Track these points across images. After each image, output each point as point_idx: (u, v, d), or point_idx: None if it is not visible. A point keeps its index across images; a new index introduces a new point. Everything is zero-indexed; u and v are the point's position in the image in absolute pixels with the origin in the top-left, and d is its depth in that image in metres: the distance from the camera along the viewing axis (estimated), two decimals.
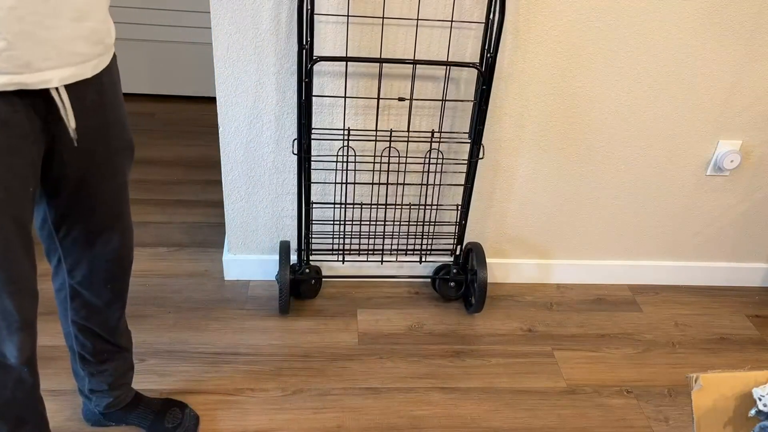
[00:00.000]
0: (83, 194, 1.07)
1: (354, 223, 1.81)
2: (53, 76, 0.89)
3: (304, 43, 1.45)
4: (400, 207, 1.81)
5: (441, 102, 1.64)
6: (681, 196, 1.88)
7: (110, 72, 1.03)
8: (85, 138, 1.01)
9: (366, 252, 1.85)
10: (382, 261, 1.89)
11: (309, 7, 1.44)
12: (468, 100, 1.65)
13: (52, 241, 1.13)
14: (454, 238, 1.85)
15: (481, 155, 1.65)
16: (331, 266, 1.90)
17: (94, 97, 1.00)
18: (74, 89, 0.95)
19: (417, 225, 1.84)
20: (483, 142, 1.68)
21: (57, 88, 0.91)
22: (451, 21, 1.54)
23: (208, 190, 2.33)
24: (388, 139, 1.68)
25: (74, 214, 1.09)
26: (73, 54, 0.91)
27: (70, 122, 0.96)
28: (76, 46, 0.91)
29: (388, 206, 1.80)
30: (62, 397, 1.49)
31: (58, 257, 1.16)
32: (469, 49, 1.58)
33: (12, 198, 0.93)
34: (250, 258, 1.88)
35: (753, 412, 0.97)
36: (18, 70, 0.85)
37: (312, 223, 1.80)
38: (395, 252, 1.88)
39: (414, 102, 1.64)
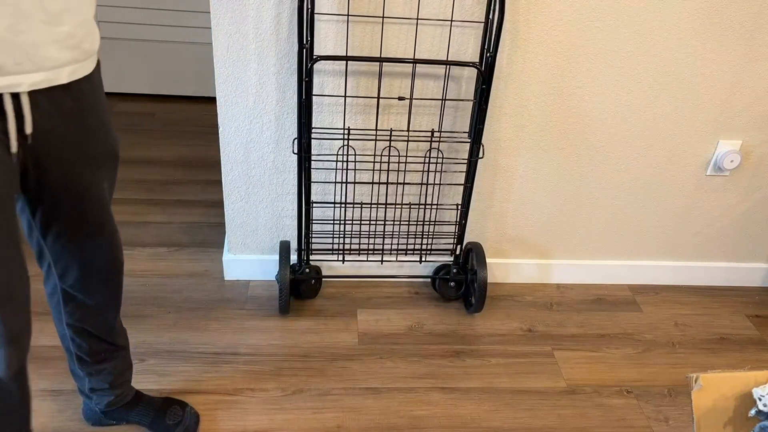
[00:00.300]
0: (67, 201, 1.06)
1: (354, 222, 1.81)
2: (23, 81, 0.87)
3: (305, 42, 1.45)
4: (400, 207, 1.81)
5: (441, 101, 1.64)
6: (681, 196, 1.88)
7: (91, 79, 1.00)
8: (62, 145, 0.99)
9: (366, 252, 1.85)
10: (382, 261, 1.89)
11: (309, 7, 1.45)
12: (468, 100, 1.65)
13: (40, 247, 1.12)
14: (454, 238, 1.85)
15: (481, 155, 1.65)
16: (331, 266, 1.90)
17: (71, 103, 0.97)
18: (50, 94, 0.93)
19: (417, 225, 1.84)
20: (483, 141, 1.68)
21: (18, 94, 0.88)
22: (451, 20, 1.54)
23: (208, 190, 2.33)
24: (388, 138, 1.68)
25: (60, 221, 1.08)
26: (46, 59, 0.89)
27: (27, 128, 0.92)
28: (48, 50, 0.89)
29: (388, 206, 1.80)
30: (62, 397, 1.49)
31: (48, 263, 1.15)
32: (470, 48, 1.58)
33: None
34: (250, 258, 1.88)
35: (753, 412, 0.97)
36: None
37: (312, 223, 1.80)
38: (395, 252, 1.88)
39: (414, 101, 1.64)
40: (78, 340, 1.26)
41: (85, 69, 0.97)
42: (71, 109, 0.98)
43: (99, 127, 1.05)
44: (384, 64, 1.57)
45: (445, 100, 1.63)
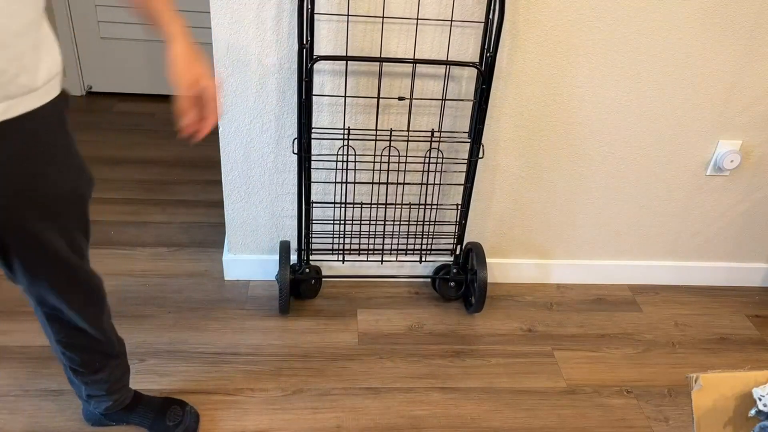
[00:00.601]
0: (17, 247, 1.00)
1: (354, 222, 1.81)
2: None
3: (305, 42, 1.45)
4: (400, 207, 1.81)
5: (441, 101, 1.64)
6: (681, 196, 1.88)
7: (39, 116, 0.91)
8: (6, 192, 0.92)
9: (366, 252, 1.85)
10: (382, 261, 1.89)
11: (309, 7, 1.44)
12: (468, 100, 1.65)
13: (9, 275, 1.07)
14: (454, 238, 1.85)
15: (480, 155, 1.65)
16: (331, 266, 1.90)
17: (8, 145, 0.89)
18: None
19: (417, 225, 1.84)
20: (483, 141, 1.68)
21: None
22: (451, 20, 1.54)
23: (208, 190, 2.33)
24: (388, 138, 1.68)
25: (18, 262, 1.02)
26: None
27: None
28: None
29: (388, 206, 1.80)
30: (62, 397, 1.49)
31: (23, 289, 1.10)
32: (471, 48, 1.58)
33: None
34: (250, 258, 1.88)
35: (753, 412, 0.97)
36: None
37: (312, 223, 1.80)
38: (395, 252, 1.88)
39: (414, 101, 1.64)
40: (69, 354, 1.22)
41: (24, 105, 0.88)
42: (9, 151, 0.89)
43: (54, 171, 0.97)
44: (384, 64, 1.57)
45: (445, 100, 1.63)
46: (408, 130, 1.67)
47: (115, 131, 2.64)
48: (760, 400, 0.95)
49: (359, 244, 1.85)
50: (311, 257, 1.83)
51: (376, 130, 1.67)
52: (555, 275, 2.00)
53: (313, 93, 1.60)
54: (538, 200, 1.85)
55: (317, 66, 1.57)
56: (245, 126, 1.66)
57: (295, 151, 1.67)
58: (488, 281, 1.86)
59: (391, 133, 1.68)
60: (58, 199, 1.01)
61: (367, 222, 1.82)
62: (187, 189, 2.33)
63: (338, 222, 1.81)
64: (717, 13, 1.58)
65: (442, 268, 1.90)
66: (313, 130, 1.64)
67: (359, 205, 1.79)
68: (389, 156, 1.71)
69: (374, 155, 1.69)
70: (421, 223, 1.83)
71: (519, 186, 1.82)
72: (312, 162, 1.68)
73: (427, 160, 1.70)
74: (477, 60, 1.59)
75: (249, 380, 1.58)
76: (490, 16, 1.50)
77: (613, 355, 1.75)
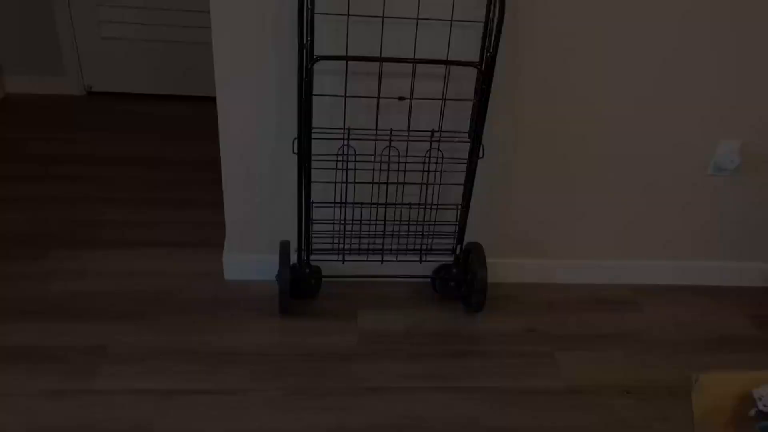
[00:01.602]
0: None
1: (354, 222, 1.81)
2: None
3: (305, 42, 1.45)
4: (400, 206, 1.81)
5: (441, 101, 1.64)
6: (681, 196, 1.88)
7: None
8: None
9: (366, 251, 1.85)
10: (382, 260, 1.89)
11: (309, 6, 1.44)
12: (468, 99, 1.65)
13: None
14: (454, 238, 1.85)
15: (481, 155, 1.65)
16: (331, 266, 1.90)
17: None
18: None
19: (417, 224, 1.84)
20: (483, 141, 1.68)
21: None
22: (451, 20, 1.54)
23: (209, 190, 2.33)
24: (388, 138, 1.68)
25: None
26: None
27: None
28: None
29: (388, 206, 1.80)
30: (62, 397, 1.49)
31: None
32: (472, 47, 1.58)
33: None
34: (250, 258, 1.88)
35: (753, 412, 0.97)
36: None
37: (312, 223, 1.80)
38: (395, 251, 1.88)
39: (414, 101, 1.64)
40: None
41: None
42: None
43: None
44: (384, 63, 1.57)
45: (445, 100, 1.63)
46: (408, 130, 1.67)
47: (115, 131, 2.64)
48: (760, 400, 0.95)
49: (359, 244, 1.85)
50: (311, 257, 1.83)
51: (376, 130, 1.67)
52: (555, 275, 2.00)
53: (313, 93, 1.60)
54: (538, 200, 1.85)
55: (317, 66, 1.57)
56: (245, 126, 1.66)
57: (295, 151, 1.67)
58: (488, 281, 1.86)
59: (391, 133, 1.67)
60: None
61: (367, 222, 1.82)
62: (187, 189, 2.33)
63: (338, 222, 1.81)
64: (718, 13, 1.58)
65: (442, 268, 1.90)
66: (313, 130, 1.64)
67: (359, 205, 1.79)
68: (389, 156, 1.71)
69: (374, 155, 1.69)
70: (421, 223, 1.83)
71: (519, 186, 1.82)
72: (312, 162, 1.68)
73: (427, 160, 1.70)
74: (477, 60, 1.59)
75: (249, 380, 1.58)
76: (490, 16, 1.50)
77: (613, 355, 1.75)
